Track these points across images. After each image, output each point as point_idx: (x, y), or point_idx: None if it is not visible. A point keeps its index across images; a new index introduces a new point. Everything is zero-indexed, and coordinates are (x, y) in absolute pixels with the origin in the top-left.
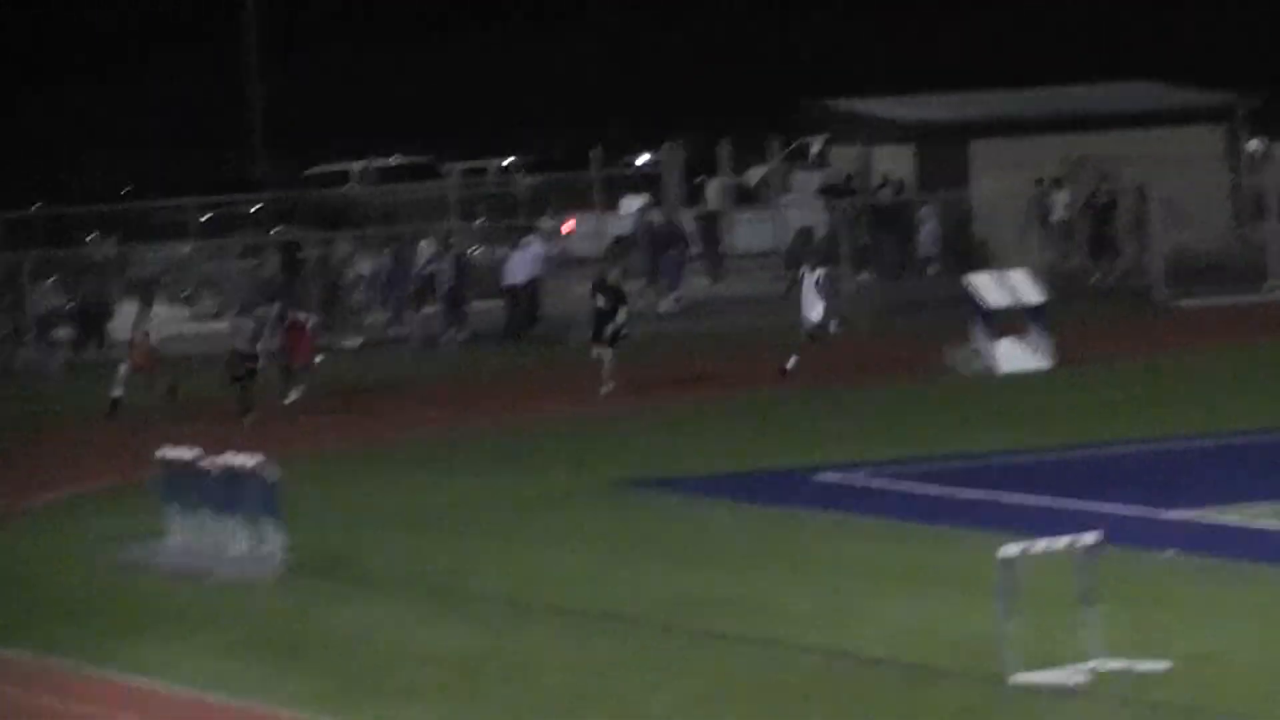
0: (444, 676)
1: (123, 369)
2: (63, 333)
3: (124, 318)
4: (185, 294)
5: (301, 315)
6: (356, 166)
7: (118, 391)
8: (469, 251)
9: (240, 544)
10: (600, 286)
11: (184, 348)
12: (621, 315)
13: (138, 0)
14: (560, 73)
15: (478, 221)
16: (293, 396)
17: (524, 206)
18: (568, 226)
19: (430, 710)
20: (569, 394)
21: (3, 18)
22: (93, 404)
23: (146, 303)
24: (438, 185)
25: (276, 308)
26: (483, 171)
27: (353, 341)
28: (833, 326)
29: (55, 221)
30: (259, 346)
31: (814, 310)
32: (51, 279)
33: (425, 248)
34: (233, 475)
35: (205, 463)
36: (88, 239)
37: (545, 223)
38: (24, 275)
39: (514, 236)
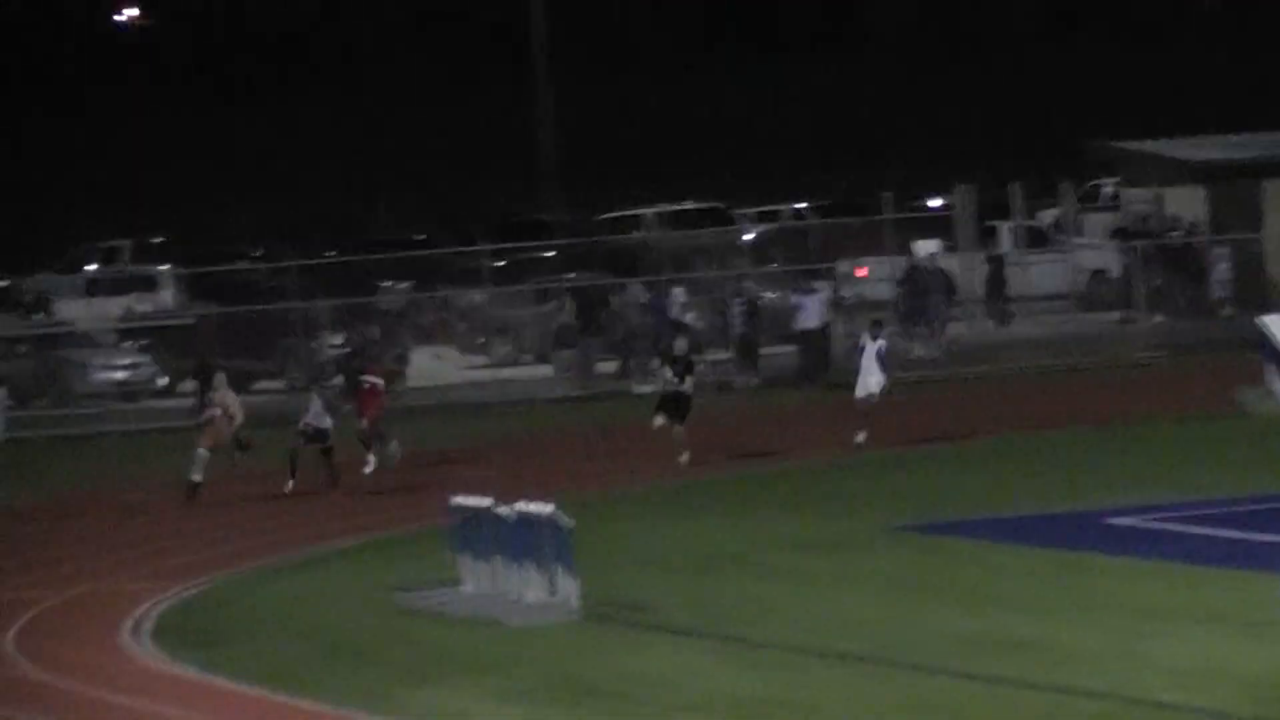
0: None
1: (201, 453)
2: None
3: (414, 366)
4: (480, 341)
5: (370, 379)
6: (649, 212)
7: (196, 476)
8: (762, 296)
9: (534, 590)
10: (668, 358)
11: (478, 395)
12: (688, 386)
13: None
14: (848, 114)
15: (770, 266)
16: (370, 465)
17: (816, 250)
18: (860, 270)
19: None
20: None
21: (302, 71)
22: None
23: (206, 377)
24: (729, 230)
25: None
26: (775, 215)
27: (644, 387)
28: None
29: (347, 267)
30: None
31: (873, 379)
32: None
33: (678, 294)
34: (526, 522)
35: (499, 510)
36: (381, 286)
37: (837, 267)
38: (319, 323)
39: (806, 280)
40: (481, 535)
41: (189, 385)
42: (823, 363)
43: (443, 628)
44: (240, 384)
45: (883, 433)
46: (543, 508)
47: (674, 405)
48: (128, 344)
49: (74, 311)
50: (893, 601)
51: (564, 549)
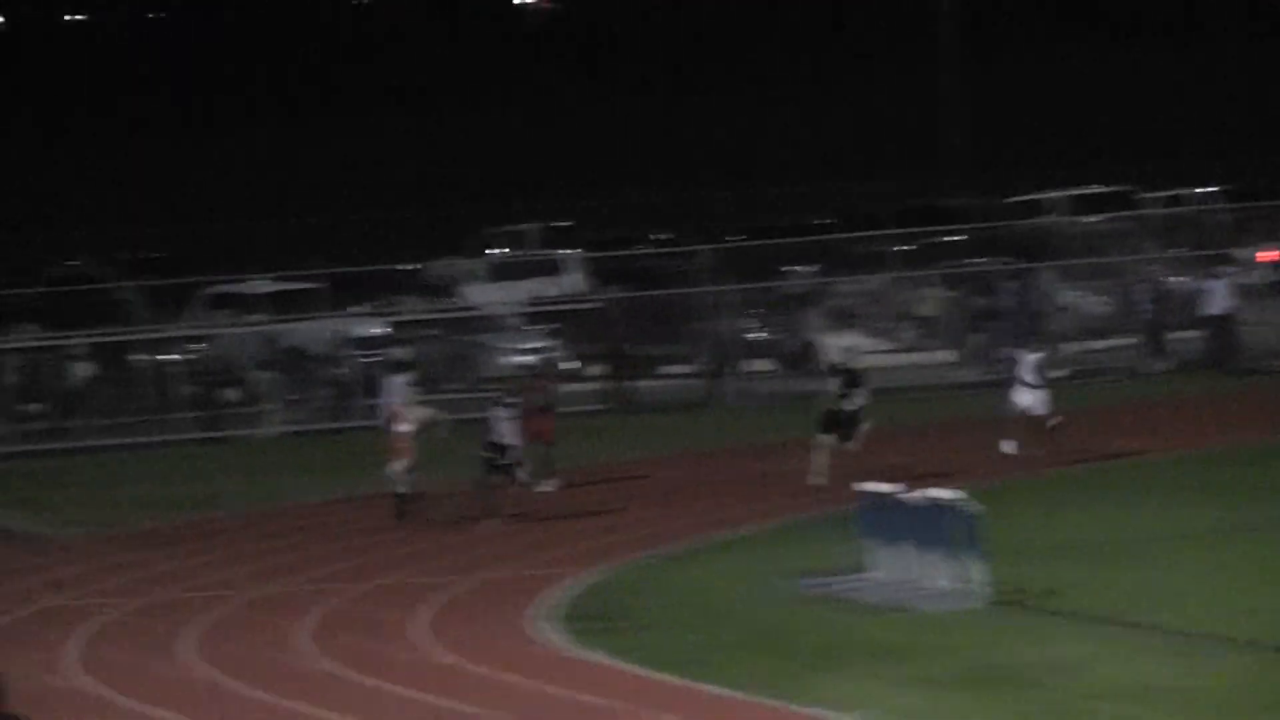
0: (1140, 712)
1: (397, 466)
2: (761, 364)
3: (826, 348)
4: (886, 326)
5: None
6: (1054, 196)
7: (401, 489)
8: (1168, 281)
9: (942, 577)
10: (833, 369)
11: (884, 380)
12: (857, 400)
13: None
14: (1261, 94)
15: (1177, 250)
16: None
17: (1223, 235)
18: (1267, 255)
19: None
20: (1267, 423)
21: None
22: (795, 433)
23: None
24: (1135, 214)
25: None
26: (1181, 199)
27: (1060, 371)
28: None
29: (752, 252)
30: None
31: (1028, 396)
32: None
33: (1022, 284)
34: (935, 508)
35: (906, 496)
36: (785, 270)
37: (1243, 252)
38: (726, 307)
39: (1212, 266)
40: (889, 521)
41: (597, 369)
42: (1230, 348)
43: (850, 614)
44: (648, 369)
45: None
46: (951, 494)
47: (835, 423)
48: (535, 328)
49: (481, 295)
50: None
51: (972, 535)
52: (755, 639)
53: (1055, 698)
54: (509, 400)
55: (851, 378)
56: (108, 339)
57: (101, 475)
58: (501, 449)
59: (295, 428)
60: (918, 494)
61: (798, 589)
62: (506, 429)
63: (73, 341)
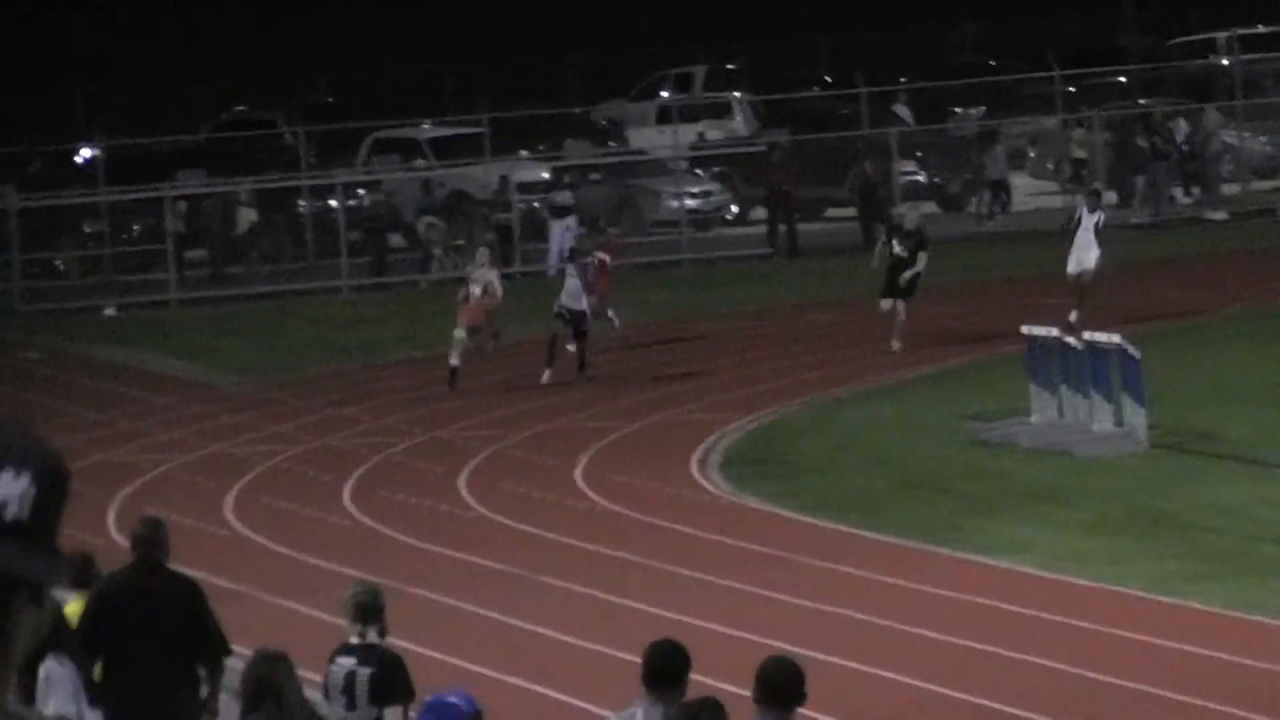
0: None
1: (458, 335)
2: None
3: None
4: (1050, 167)
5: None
6: (1222, 35)
7: (455, 360)
8: None
9: (1101, 420)
10: (895, 230)
11: (1047, 222)
12: (921, 262)
13: None
14: None
15: None
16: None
17: None
18: None
19: None
20: None
21: None
22: (958, 275)
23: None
24: None
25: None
26: None
27: (1218, 214)
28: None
29: (920, 95)
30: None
31: (1089, 254)
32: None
33: (1183, 125)
34: (1094, 351)
35: (1067, 339)
36: (954, 112)
37: None
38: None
39: None
40: (1051, 365)
41: (760, 213)
42: None
43: (1012, 459)
44: (813, 211)
45: None
46: (1110, 337)
47: (896, 279)
48: (700, 172)
49: (647, 139)
50: None
51: (1132, 379)
52: (917, 484)
53: (1217, 541)
54: (585, 262)
55: (920, 241)
56: (273, 185)
57: (265, 322)
58: (574, 314)
59: (459, 274)
60: (1076, 338)
61: (960, 433)
62: (574, 293)
63: (238, 187)
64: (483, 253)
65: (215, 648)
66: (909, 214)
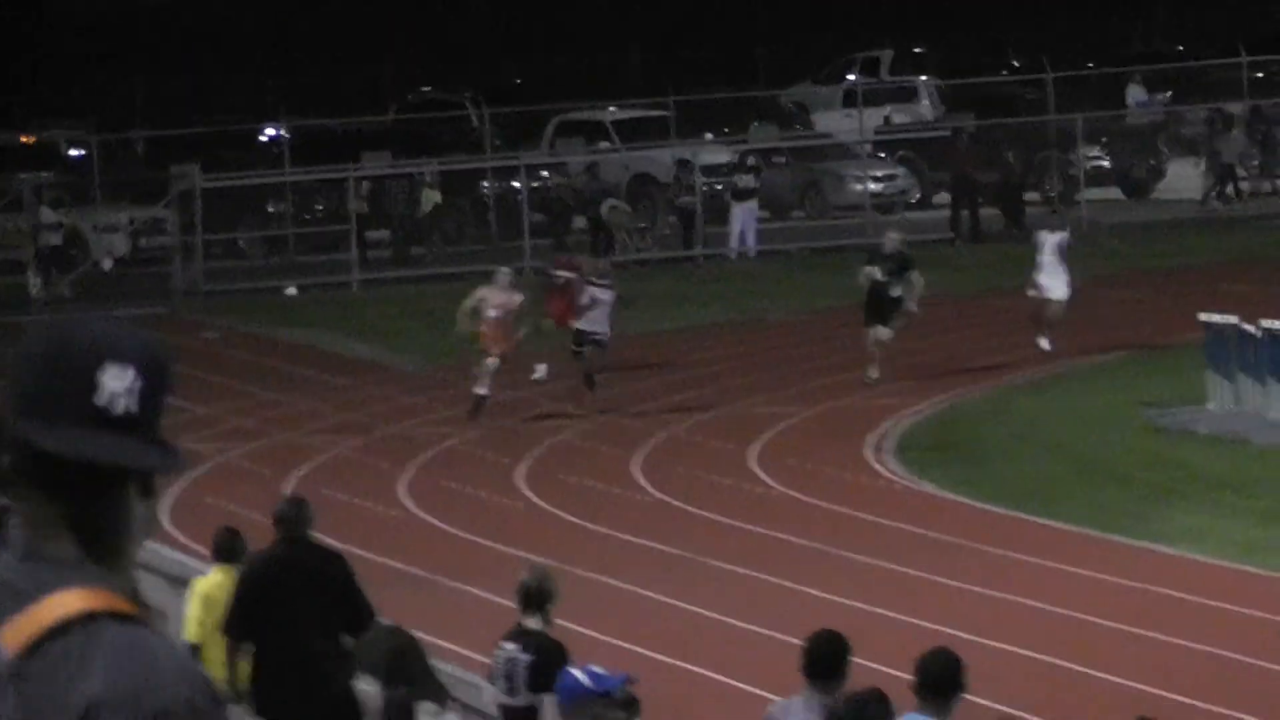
0: None
1: (491, 364)
2: (1107, 192)
3: (1173, 179)
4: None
5: (562, 273)
6: None
7: (481, 389)
8: None
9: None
10: (876, 256)
11: (1229, 209)
12: (908, 286)
13: None
14: None
15: None
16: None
17: None
18: None
19: None
20: None
21: None
22: (1139, 263)
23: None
24: None
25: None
26: None
27: None
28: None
29: (1101, 80)
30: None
31: (1053, 281)
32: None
33: None
34: (1275, 340)
35: (1246, 327)
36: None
37: None
38: (1074, 136)
39: None
40: (1231, 353)
41: (944, 198)
42: None
43: (1190, 446)
44: (995, 197)
45: None
46: None
47: (879, 306)
48: (884, 155)
49: (832, 123)
50: None
51: None
52: (1094, 471)
53: None
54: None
55: (903, 262)
56: (457, 167)
57: (446, 304)
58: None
59: (643, 255)
60: (1256, 325)
61: (1137, 420)
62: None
63: (422, 169)
64: (504, 275)
65: (364, 619)
66: (888, 237)
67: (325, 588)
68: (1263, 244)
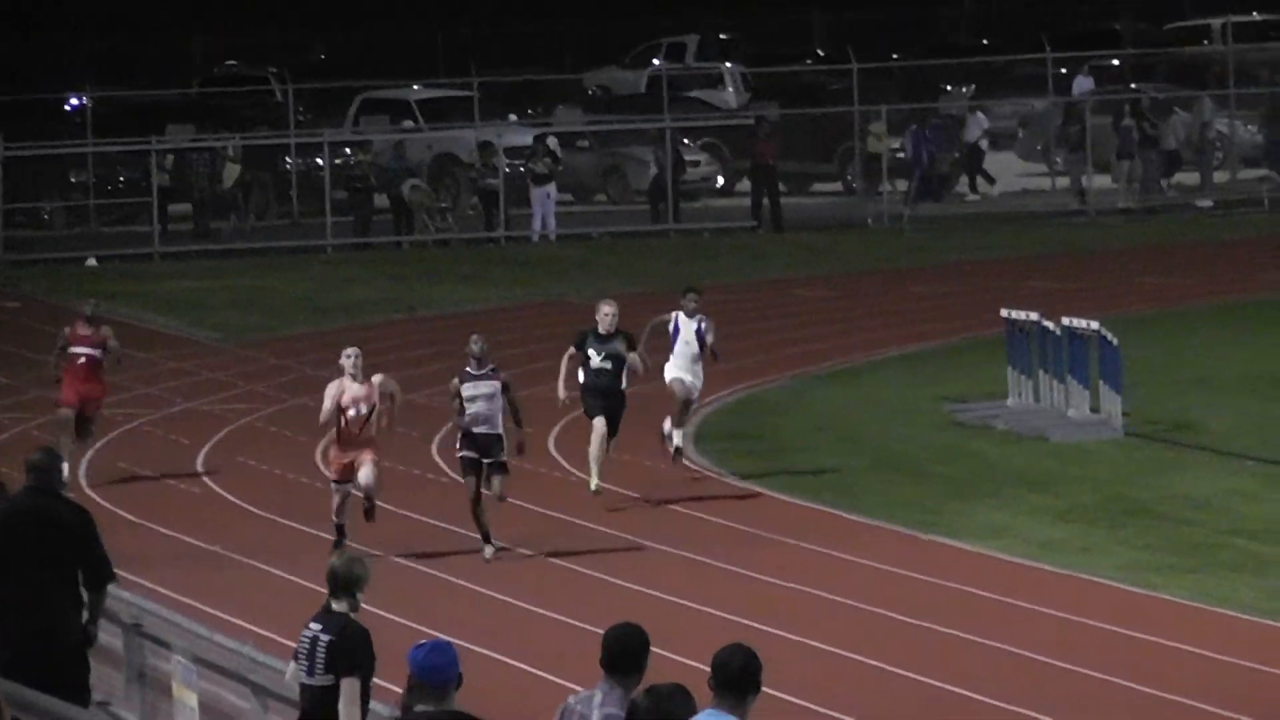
0: (1273, 551)
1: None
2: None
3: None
4: (1040, 149)
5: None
6: (1216, 23)
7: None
8: None
9: (1079, 407)
10: (594, 337)
11: (1036, 204)
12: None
13: None
14: None
15: None
16: None
17: None
18: None
19: (1253, 585)
20: None
21: None
22: (942, 256)
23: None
24: None
25: None
26: None
27: (1205, 201)
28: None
29: (909, 71)
30: None
31: (696, 372)
32: None
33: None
34: (1074, 338)
35: (1046, 323)
36: (944, 90)
37: None
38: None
39: None
40: (1029, 349)
41: (746, 185)
42: None
43: (989, 442)
44: (800, 185)
45: None
46: (1089, 324)
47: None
48: (688, 141)
49: (635, 107)
50: None
51: (1110, 366)
52: (893, 465)
53: (1189, 532)
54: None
55: (628, 342)
56: (261, 141)
57: (247, 279)
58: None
59: (444, 235)
60: (1055, 322)
61: (937, 414)
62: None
63: (226, 143)
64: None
65: (101, 574)
66: (603, 310)
67: (66, 540)
68: (1070, 240)
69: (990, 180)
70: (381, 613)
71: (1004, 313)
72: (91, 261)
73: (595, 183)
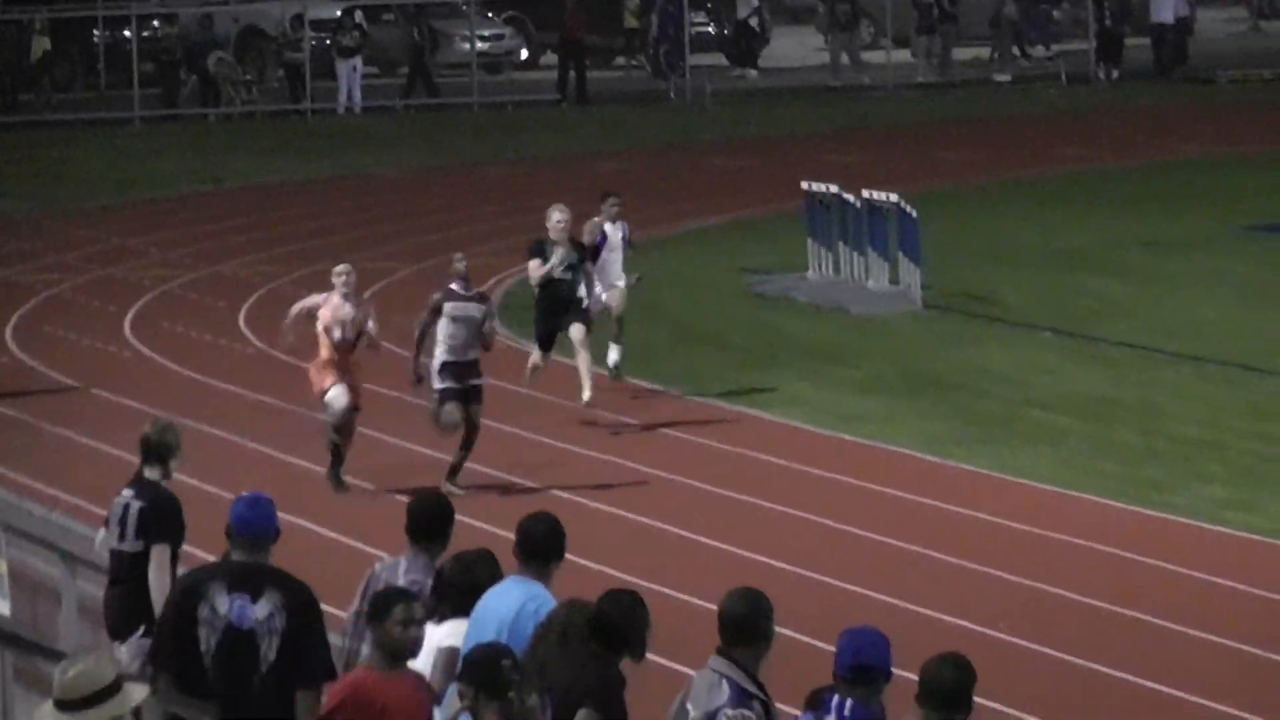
0: (1069, 422)
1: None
2: (711, 58)
3: (777, 48)
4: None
5: None
6: None
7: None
8: None
9: (879, 279)
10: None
11: (835, 78)
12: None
13: None
14: None
15: None
16: None
17: None
18: None
19: (1049, 455)
20: (1211, 134)
21: None
22: (751, 130)
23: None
24: None
25: None
26: None
27: (1003, 75)
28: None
29: None
30: None
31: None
32: None
33: None
34: (873, 210)
35: (846, 196)
36: None
37: None
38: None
39: None
40: (830, 221)
41: (552, 59)
42: (1178, 58)
43: (790, 314)
44: (605, 60)
45: (1234, 131)
46: (889, 196)
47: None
48: (491, 15)
49: None
50: (1241, 305)
51: (909, 239)
52: (693, 336)
53: (985, 404)
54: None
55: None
56: (68, 14)
57: (54, 151)
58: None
59: (250, 108)
60: (855, 195)
61: (738, 287)
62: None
63: (32, 15)
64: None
65: None
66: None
67: None
68: (870, 114)
69: (754, 64)
70: (192, 481)
71: (804, 185)
72: None
73: (401, 56)
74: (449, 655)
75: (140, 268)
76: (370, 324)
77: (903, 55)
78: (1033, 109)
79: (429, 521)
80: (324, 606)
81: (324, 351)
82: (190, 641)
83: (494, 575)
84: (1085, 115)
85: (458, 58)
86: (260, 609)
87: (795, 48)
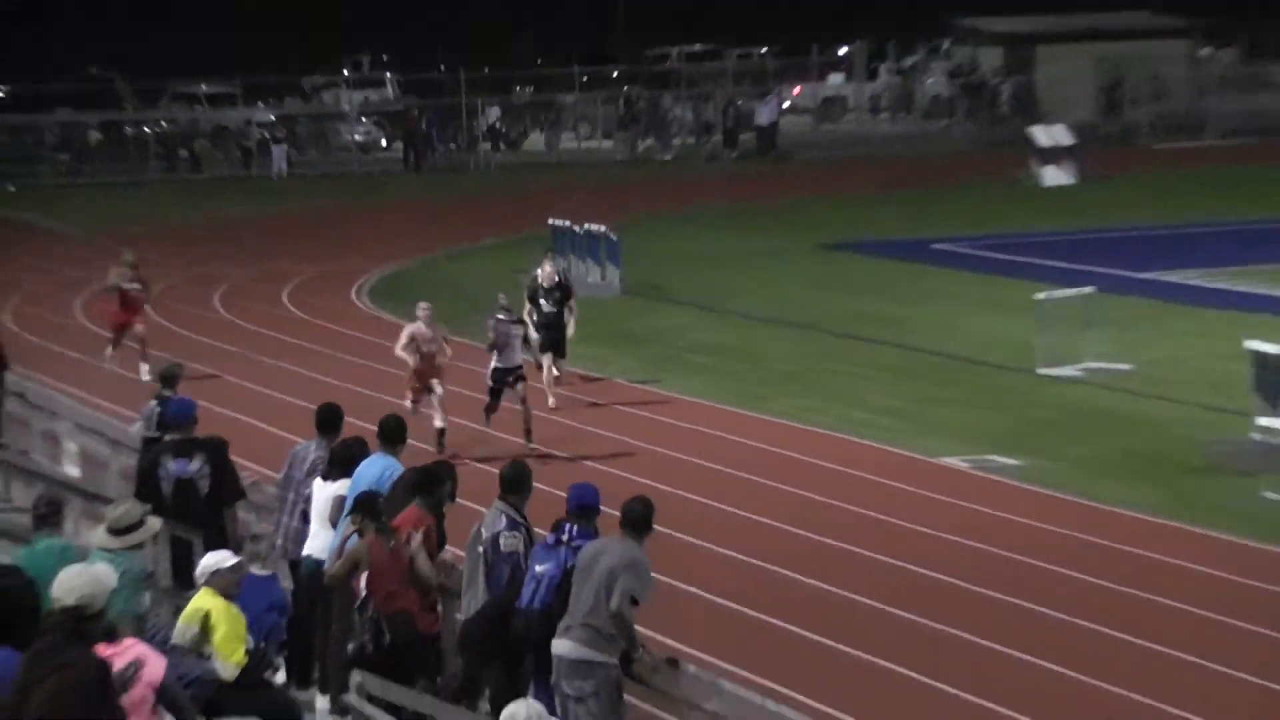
0: (712, 359)
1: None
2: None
3: (534, 140)
4: (571, 125)
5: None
6: (674, 50)
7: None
8: (738, 103)
9: (594, 276)
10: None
11: (568, 158)
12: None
13: None
14: None
15: (742, 85)
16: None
17: (771, 77)
18: (795, 90)
19: (704, 378)
20: (794, 187)
21: None
22: (538, 184)
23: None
24: (719, 64)
25: None
26: (749, 56)
27: (666, 155)
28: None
29: (498, 79)
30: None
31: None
32: None
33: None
34: (592, 235)
35: (574, 227)
36: (516, 91)
37: (783, 88)
38: (476, 109)
39: (763, 94)
40: (565, 241)
41: (398, 145)
42: (770, 145)
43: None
44: (434, 146)
45: (804, 185)
46: (599, 226)
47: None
48: (364, 119)
49: (334, 98)
50: (814, 290)
51: (613, 251)
52: (481, 304)
53: (663, 350)
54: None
55: (565, 293)
56: (110, 118)
57: (102, 200)
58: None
59: (220, 174)
60: (580, 226)
61: (512, 278)
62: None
63: (89, 118)
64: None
65: None
66: (545, 271)
67: None
68: (586, 177)
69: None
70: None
71: (550, 220)
72: None
73: (310, 141)
74: (339, 500)
75: (154, 267)
76: (444, 343)
77: (608, 143)
78: (684, 172)
79: (325, 420)
80: (260, 468)
81: (411, 360)
82: (156, 489)
83: (364, 453)
84: (720, 177)
85: (344, 144)
86: (194, 465)
87: (540, 140)
